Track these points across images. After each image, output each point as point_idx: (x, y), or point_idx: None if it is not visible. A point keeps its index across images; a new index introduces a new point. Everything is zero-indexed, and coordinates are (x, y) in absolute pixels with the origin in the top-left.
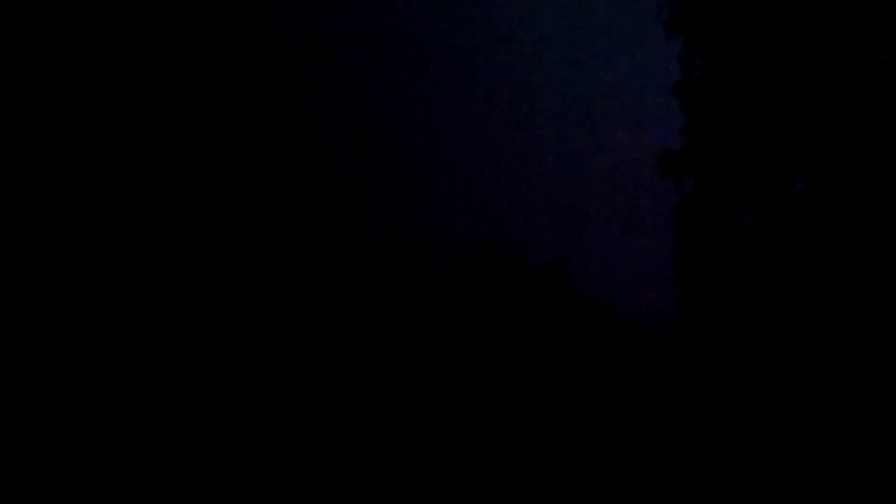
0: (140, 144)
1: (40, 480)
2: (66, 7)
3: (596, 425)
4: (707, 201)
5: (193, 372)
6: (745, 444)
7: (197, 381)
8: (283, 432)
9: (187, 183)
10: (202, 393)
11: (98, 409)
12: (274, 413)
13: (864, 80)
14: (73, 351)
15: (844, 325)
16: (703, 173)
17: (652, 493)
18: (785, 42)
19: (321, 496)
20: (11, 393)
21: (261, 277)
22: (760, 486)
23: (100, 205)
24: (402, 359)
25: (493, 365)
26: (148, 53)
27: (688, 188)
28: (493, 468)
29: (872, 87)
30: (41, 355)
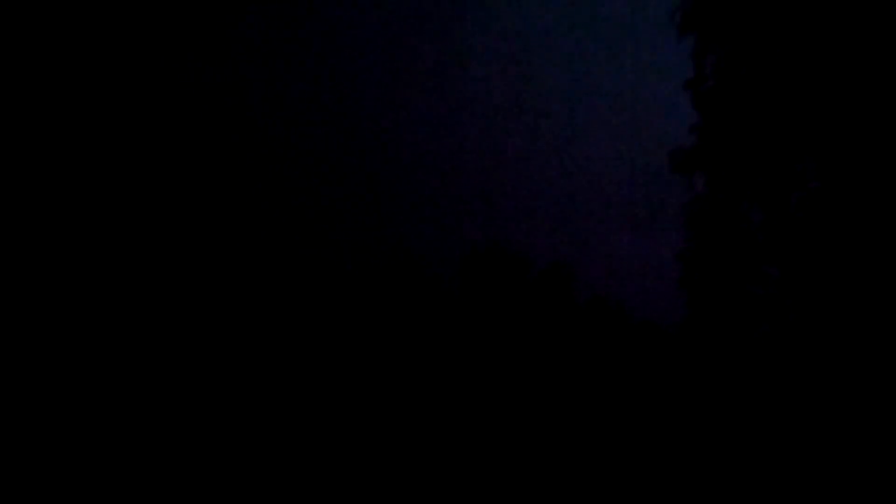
0: (142, 145)
1: (40, 480)
2: (66, 7)
3: (606, 424)
4: (718, 199)
5: (200, 373)
6: (756, 443)
7: (203, 382)
8: (290, 434)
9: (196, 184)
10: (208, 394)
11: (98, 410)
12: (281, 415)
13: (877, 77)
14: (73, 351)
15: (856, 324)
16: (714, 171)
17: (661, 492)
18: (798, 38)
19: (329, 497)
20: (11, 393)
21: (270, 279)
22: (771, 486)
23: (100, 205)
24: (413, 358)
25: (504, 363)
26: (148, 53)
27: (698, 186)
28: (503, 466)
29: (886, 84)
30: (41, 355)
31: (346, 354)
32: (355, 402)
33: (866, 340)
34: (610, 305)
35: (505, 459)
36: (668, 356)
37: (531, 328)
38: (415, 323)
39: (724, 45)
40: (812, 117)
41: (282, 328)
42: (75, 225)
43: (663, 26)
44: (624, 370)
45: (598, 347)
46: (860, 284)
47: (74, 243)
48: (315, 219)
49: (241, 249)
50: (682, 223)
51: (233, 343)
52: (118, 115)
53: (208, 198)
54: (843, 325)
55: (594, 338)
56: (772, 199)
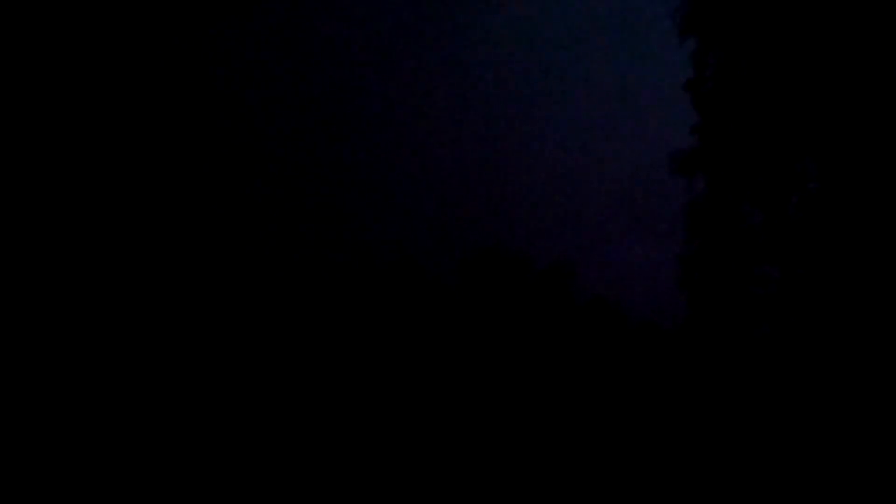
0: (142, 144)
1: (40, 480)
2: (66, 7)
3: (606, 424)
4: (718, 200)
5: (200, 372)
6: (756, 443)
7: (203, 381)
8: (290, 433)
9: (197, 184)
10: (208, 393)
11: (98, 410)
12: (280, 415)
13: (877, 78)
14: (73, 351)
15: (856, 324)
16: (715, 172)
17: (661, 492)
18: (798, 40)
19: (329, 496)
20: (11, 393)
21: (270, 279)
22: (771, 485)
23: (101, 205)
24: (413, 359)
25: (504, 363)
26: (148, 53)
27: (698, 187)
28: (504, 466)
29: (886, 85)
30: (41, 355)
31: (347, 355)
32: (356, 402)
33: (866, 340)
34: (610, 306)
35: (505, 459)
36: (668, 357)
37: (531, 329)
38: (415, 324)
39: (725, 46)
40: (812, 118)
41: (281, 329)
42: (74, 224)
43: (663, 27)
44: (624, 371)
45: (597, 348)
46: (860, 285)
47: (73, 242)
48: (313, 219)
49: (241, 250)
50: (683, 224)
51: (234, 344)
52: (117, 114)
53: (208, 198)
54: (843, 325)
55: (594, 338)
56: (772, 200)
